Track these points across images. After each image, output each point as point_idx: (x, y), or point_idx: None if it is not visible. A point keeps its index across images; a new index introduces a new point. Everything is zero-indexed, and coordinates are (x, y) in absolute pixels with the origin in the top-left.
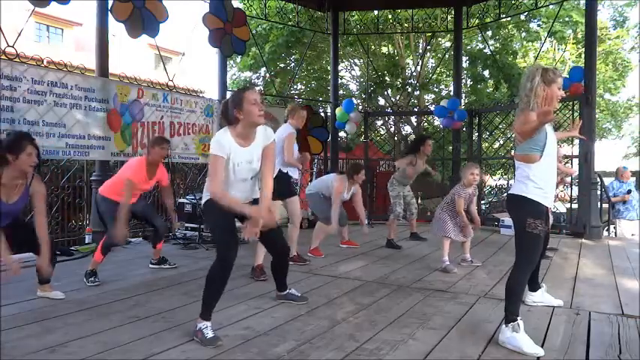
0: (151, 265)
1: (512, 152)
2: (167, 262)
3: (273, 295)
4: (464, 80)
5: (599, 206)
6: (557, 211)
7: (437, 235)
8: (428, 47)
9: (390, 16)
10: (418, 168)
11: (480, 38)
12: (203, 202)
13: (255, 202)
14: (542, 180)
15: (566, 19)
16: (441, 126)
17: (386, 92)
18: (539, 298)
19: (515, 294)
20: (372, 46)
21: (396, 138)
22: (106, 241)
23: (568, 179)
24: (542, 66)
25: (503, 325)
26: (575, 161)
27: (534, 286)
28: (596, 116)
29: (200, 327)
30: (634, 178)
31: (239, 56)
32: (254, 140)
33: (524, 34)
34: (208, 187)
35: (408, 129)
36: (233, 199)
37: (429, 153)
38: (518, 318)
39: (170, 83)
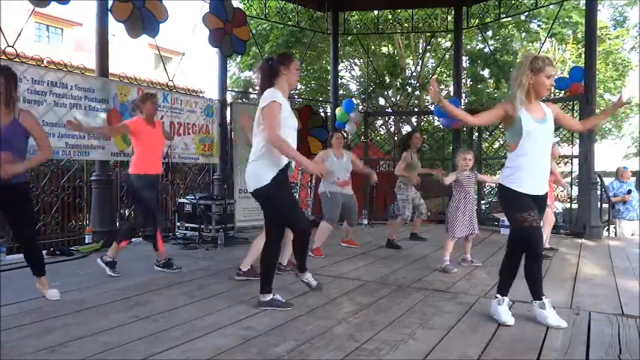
0: (155, 267)
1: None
2: (172, 267)
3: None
4: (464, 80)
5: (599, 206)
6: (557, 211)
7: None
8: (428, 47)
9: (390, 16)
10: (415, 163)
11: (479, 38)
12: (264, 183)
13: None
14: (518, 165)
15: (567, 19)
16: (441, 126)
17: (386, 92)
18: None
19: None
20: (372, 46)
21: (396, 138)
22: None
23: (567, 179)
24: (534, 54)
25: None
26: (576, 161)
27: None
28: None
29: (272, 297)
30: (634, 178)
31: (239, 56)
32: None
33: (524, 34)
34: (269, 138)
35: (408, 129)
36: (292, 147)
37: (418, 145)
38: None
39: (170, 83)
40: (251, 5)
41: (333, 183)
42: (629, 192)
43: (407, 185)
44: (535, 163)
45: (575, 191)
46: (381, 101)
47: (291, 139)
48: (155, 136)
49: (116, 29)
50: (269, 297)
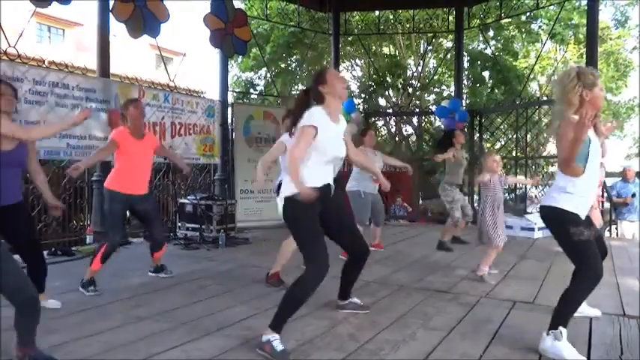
0: (149, 273)
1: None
2: (164, 271)
3: (273, 296)
4: (465, 81)
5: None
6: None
7: (488, 244)
8: (429, 47)
9: (391, 17)
10: (460, 157)
11: (481, 39)
12: (285, 199)
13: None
14: (581, 190)
15: (568, 22)
16: (442, 127)
17: (387, 92)
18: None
19: (576, 304)
20: (373, 47)
21: (397, 139)
22: (107, 249)
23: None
24: (575, 68)
25: (544, 333)
26: None
27: None
28: None
29: (270, 339)
30: (637, 179)
31: (240, 57)
32: (340, 121)
33: (525, 36)
34: (292, 153)
35: (409, 129)
36: (296, 172)
37: (463, 142)
38: (561, 327)
39: (171, 84)
40: (252, 6)
41: (368, 180)
42: (634, 195)
43: (452, 186)
44: (593, 185)
45: None
46: (382, 102)
47: (325, 171)
48: (142, 152)
49: (117, 29)
50: (268, 337)
